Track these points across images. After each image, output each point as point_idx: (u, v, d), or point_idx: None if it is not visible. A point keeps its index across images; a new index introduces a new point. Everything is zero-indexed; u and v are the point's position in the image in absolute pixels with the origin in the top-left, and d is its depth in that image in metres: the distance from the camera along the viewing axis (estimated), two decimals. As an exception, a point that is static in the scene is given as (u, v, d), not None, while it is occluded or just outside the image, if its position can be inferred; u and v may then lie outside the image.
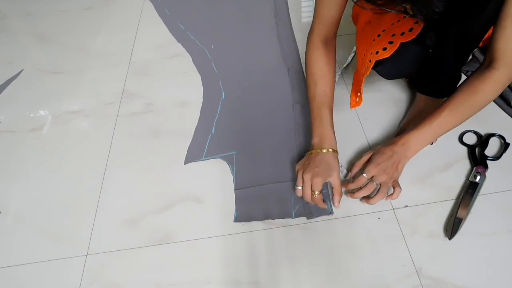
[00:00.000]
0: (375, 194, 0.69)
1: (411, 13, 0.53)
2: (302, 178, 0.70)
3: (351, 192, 0.72)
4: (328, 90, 0.76)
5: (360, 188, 0.70)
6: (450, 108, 0.67)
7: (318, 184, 0.68)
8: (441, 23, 0.50)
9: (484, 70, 0.65)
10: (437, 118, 0.68)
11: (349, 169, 0.77)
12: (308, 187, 0.69)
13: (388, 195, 0.70)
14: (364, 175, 0.70)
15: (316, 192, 0.69)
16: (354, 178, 0.71)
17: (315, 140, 0.74)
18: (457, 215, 0.68)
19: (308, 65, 0.77)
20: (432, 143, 0.80)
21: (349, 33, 1.10)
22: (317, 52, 0.76)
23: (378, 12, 0.54)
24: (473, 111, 0.68)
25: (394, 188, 0.71)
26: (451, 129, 0.70)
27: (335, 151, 0.73)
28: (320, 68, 0.76)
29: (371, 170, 0.69)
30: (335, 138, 0.74)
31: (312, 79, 0.76)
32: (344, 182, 0.74)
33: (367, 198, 0.70)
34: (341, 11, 0.72)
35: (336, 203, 0.70)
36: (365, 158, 0.73)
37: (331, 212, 0.72)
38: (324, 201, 0.71)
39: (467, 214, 0.68)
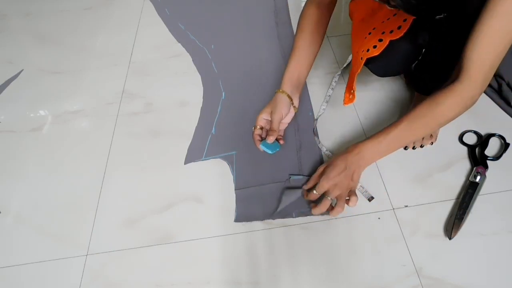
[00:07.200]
0: (334, 208, 0.67)
1: (393, 3, 0.52)
2: None
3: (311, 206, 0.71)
4: (305, 45, 0.80)
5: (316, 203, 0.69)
6: (408, 120, 0.65)
7: (259, 117, 0.77)
8: (424, 14, 0.48)
9: (449, 82, 0.62)
10: (394, 130, 0.65)
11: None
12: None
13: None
14: (314, 191, 0.68)
15: (257, 127, 0.77)
16: (308, 191, 0.71)
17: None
18: (457, 215, 0.68)
19: (300, 16, 0.81)
20: (432, 143, 0.80)
21: (349, 33, 1.10)
22: (311, 8, 0.80)
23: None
24: (433, 125, 0.65)
25: (350, 196, 0.68)
26: (409, 142, 0.67)
27: (288, 95, 0.79)
28: (308, 23, 0.79)
29: (324, 185, 0.67)
30: (290, 85, 0.79)
31: (298, 30, 0.81)
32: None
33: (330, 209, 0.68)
34: None
35: (267, 139, 0.75)
36: (319, 170, 0.71)
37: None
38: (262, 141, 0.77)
39: (467, 214, 0.68)
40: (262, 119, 0.78)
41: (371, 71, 0.78)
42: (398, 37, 0.67)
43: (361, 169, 0.68)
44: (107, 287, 0.67)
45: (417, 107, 0.64)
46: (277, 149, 0.78)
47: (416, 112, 0.64)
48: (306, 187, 0.73)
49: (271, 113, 0.77)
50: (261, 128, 0.78)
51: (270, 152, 0.77)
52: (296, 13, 1.23)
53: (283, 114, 0.78)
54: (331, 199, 0.67)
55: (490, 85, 0.86)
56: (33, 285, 0.69)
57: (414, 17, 0.65)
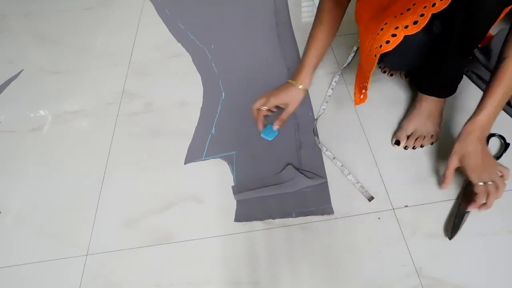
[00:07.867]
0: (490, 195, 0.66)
1: None
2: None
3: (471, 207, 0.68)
4: (324, 37, 0.81)
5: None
6: (505, 80, 0.65)
7: (271, 101, 0.80)
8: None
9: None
10: (496, 93, 0.66)
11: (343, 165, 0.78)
12: (259, 101, 0.81)
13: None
14: (480, 183, 0.66)
15: (264, 107, 0.80)
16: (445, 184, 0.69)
17: (296, 75, 0.82)
18: (457, 215, 0.68)
19: (319, 8, 0.81)
20: (432, 143, 0.80)
21: (349, 33, 1.10)
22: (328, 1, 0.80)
23: None
24: None
25: (501, 172, 0.67)
26: (507, 99, 0.69)
27: (305, 90, 0.82)
28: (328, 15, 0.80)
29: (482, 176, 0.66)
30: (310, 80, 0.82)
31: (316, 21, 0.82)
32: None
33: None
34: None
35: (274, 126, 0.81)
36: (452, 166, 0.69)
37: (331, 212, 0.72)
38: (265, 125, 0.82)
39: (467, 214, 0.68)
40: (274, 108, 0.83)
41: (385, 65, 0.78)
42: (414, 32, 0.66)
43: (485, 140, 0.68)
44: (107, 287, 0.67)
45: (501, 69, 0.65)
46: (276, 134, 0.84)
47: (506, 72, 0.64)
48: (445, 185, 0.70)
49: (287, 105, 0.81)
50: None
51: (270, 139, 0.84)
52: (296, 13, 1.23)
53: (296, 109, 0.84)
54: (490, 185, 0.65)
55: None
56: (33, 285, 0.69)
57: (433, 12, 0.64)
